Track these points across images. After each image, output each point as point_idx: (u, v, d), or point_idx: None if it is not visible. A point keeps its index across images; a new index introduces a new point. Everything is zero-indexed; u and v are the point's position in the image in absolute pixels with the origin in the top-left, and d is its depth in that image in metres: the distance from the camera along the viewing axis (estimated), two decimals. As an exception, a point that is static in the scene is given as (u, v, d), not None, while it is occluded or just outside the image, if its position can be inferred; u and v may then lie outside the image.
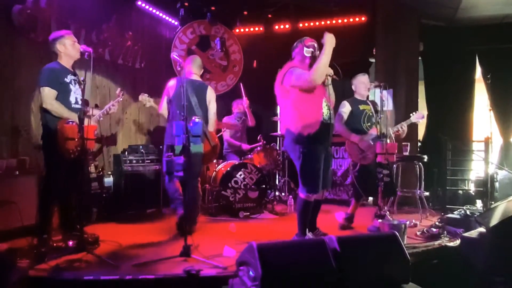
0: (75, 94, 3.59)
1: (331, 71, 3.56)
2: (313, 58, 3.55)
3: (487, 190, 5.03)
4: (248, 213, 5.06)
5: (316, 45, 3.65)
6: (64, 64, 3.61)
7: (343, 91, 6.12)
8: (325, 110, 3.54)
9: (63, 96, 3.52)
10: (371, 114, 4.39)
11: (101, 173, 4.90)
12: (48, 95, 3.42)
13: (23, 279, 2.59)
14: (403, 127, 4.46)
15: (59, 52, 3.58)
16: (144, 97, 4.57)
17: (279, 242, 2.98)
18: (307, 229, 3.64)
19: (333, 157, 6.16)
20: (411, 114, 4.57)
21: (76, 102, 3.59)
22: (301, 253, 2.24)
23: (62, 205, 3.61)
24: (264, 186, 5.30)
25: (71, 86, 3.57)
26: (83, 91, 3.45)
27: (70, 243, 3.22)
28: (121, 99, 4.12)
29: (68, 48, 3.55)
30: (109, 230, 4.16)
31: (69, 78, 3.57)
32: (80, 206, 3.70)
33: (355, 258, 2.28)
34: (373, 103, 4.49)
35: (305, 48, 3.64)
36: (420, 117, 4.58)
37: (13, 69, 4.25)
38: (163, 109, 4.30)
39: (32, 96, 4.42)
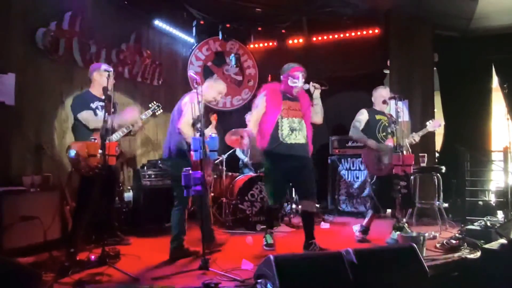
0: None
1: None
2: None
3: (508, 200, 4.94)
4: (265, 226, 5.06)
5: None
6: (94, 92, 3.91)
7: (360, 103, 6.11)
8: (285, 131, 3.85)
9: None
10: (386, 124, 4.38)
11: (121, 188, 5.01)
12: (88, 118, 3.74)
13: (48, 292, 2.66)
14: (415, 138, 4.43)
15: (93, 80, 3.90)
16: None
17: (297, 254, 3.00)
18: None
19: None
20: (427, 123, 4.54)
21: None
22: (318, 265, 2.26)
23: (96, 219, 3.73)
24: (280, 199, 5.31)
25: (98, 111, 3.83)
26: (108, 109, 3.52)
27: (92, 257, 3.30)
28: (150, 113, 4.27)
29: (104, 79, 3.70)
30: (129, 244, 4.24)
31: (95, 104, 3.85)
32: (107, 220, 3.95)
33: (372, 270, 2.28)
34: (390, 116, 4.49)
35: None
36: (437, 125, 4.53)
37: (37, 89, 4.42)
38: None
39: (55, 115, 4.58)
